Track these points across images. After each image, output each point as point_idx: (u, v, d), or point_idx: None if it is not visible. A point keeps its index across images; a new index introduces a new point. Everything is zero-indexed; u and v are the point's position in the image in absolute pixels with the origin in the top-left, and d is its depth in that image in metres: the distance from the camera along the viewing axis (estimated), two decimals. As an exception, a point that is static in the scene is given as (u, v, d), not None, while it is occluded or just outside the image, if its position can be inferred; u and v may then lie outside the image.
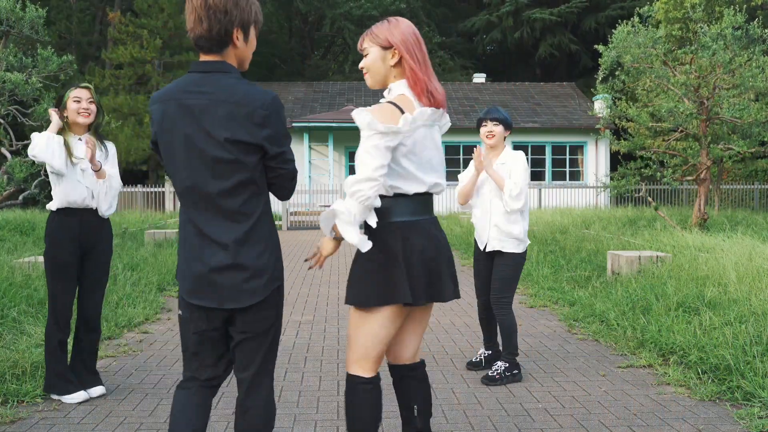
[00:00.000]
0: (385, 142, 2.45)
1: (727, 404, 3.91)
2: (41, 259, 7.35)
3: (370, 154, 2.44)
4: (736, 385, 4.03)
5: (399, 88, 2.61)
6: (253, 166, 2.27)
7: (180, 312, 2.41)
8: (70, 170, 3.93)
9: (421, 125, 2.55)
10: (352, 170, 23.66)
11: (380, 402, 2.68)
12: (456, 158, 24.28)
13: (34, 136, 3.91)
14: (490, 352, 4.74)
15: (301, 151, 22.92)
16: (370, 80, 2.68)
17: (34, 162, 9.47)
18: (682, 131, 12.87)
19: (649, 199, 14.44)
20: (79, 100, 3.98)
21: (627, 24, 12.68)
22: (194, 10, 2.27)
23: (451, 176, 24.21)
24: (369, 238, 2.55)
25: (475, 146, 4.62)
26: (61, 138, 3.92)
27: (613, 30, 12.97)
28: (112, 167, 4.14)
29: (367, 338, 2.60)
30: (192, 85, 2.28)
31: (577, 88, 28.31)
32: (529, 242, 4.55)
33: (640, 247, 8.94)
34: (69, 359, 4.10)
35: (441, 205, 23.27)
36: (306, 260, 2.64)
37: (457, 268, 10.15)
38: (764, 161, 22.34)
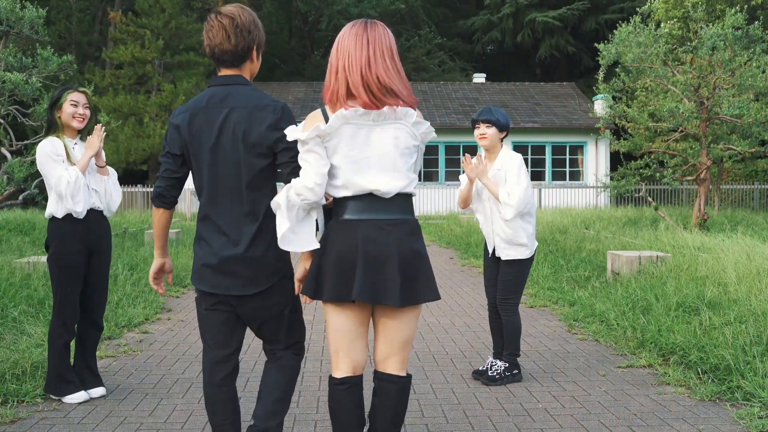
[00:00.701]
0: (308, 148, 2.53)
1: (727, 404, 3.91)
2: (42, 259, 7.35)
3: (301, 161, 2.56)
4: (736, 385, 4.03)
5: None
6: (267, 170, 2.64)
7: (197, 295, 2.77)
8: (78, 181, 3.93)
9: (346, 124, 2.52)
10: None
11: (357, 404, 2.66)
12: (456, 158, 24.28)
13: (52, 163, 3.87)
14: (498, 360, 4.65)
15: (301, 151, 22.88)
16: None
17: (33, 162, 9.47)
18: (682, 131, 12.87)
19: (649, 199, 14.44)
20: (76, 105, 3.97)
21: (629, 24, 12.69)
22: (223, 28, 2.63)
23: (452, 176, 24.26)
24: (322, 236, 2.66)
25: (465, 155, 4.49)
26: (84, 179, 3.92)
27: (613, 31, 12.97)
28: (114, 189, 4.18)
29: (329, 335, 2.70)
30: (217, 96, 2.67)
31: (577, 88, 28.31)
32: (537, 244, 4.46)
33: (640, 247, 8.94)
34: (71, 360, 4.11)
35: (441, 205, 23.30)
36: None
37: (456, 268, 10.15)
38: (764, 161, 22.34)
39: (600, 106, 21.37)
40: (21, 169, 9.75)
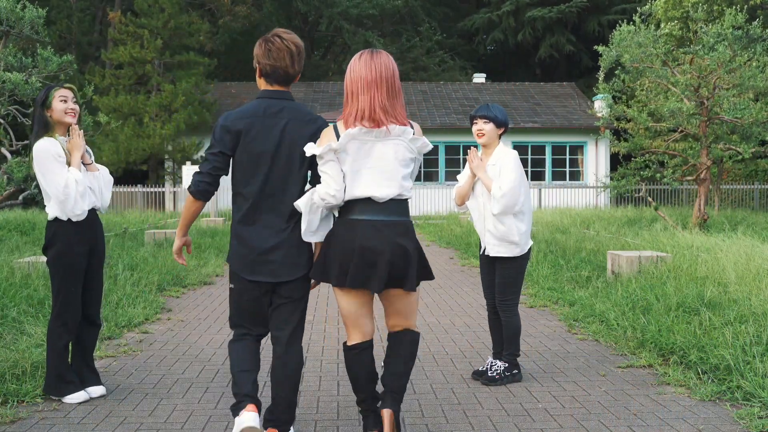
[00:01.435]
0: (324, 161, 3.07)
1: (727, 404, 3.91)
2: (41, 259, 7.35)
3: (321, 173, 3.09)
4: (736, 385, 4.03)
5: None
6: (305, 176, 3.17)
7: (231, 285, 3.21)
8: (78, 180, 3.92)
9: (351, 141, 3.05)
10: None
11: (368, 363, 3.22)
12: (456, 158, 24.29)
13: (51, 167, 3.84)
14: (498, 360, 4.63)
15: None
16: None
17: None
18: (682, 131, 12.87)
19: (649, 199, 14.45)
20: (66, 100, 3.95)
21: (628, 24, 12.69)
22: (290, 54, 3.12)
23: (452, 176, 24.25)
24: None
25: (471, 147, 4.54)
26: (86, 181, 3.93)
27: (613, 30, 12.97)
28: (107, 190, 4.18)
29: (341, 312, 3.25)
30: (272, 108, 3.13)
31: (577, 88, 28.31)
32: (531, 243, 4.43)
33: (640, 247, 8.94)
34: (69, 358, 4.11)
35: (441, 205, 23.30)
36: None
37: (456, 268, 10.15)
38: (764, 161, 22.35)
39: (600, 105, 21.37)
40: (21, 169, 9.75)
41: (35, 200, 11.36)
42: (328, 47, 40.70)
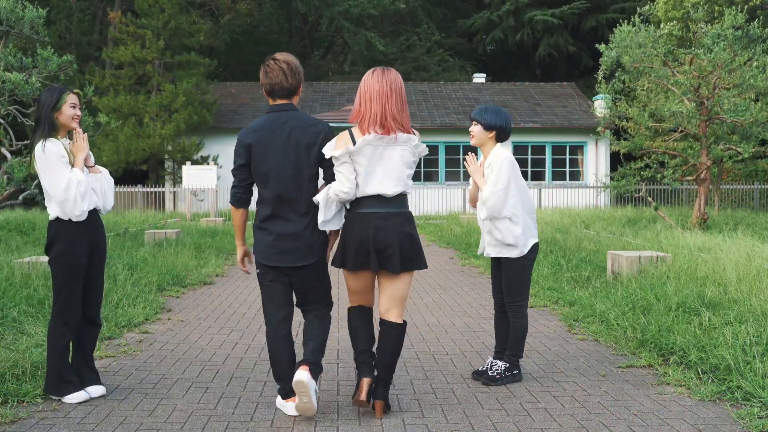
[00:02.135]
0: (341, 162, 3.62)
1: (727, 404, 3.91)
2: (42, 259, 7.35)
3: (336, 172, 3.65)
4: (736, 385, 4.03)
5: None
6: (316, 174, 3.66)
7: (258, 270, 3.75)
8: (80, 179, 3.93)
9: (366, 146, 3.60)
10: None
11: (367, 322, 3.84)
12: (456, 158, 24.28)
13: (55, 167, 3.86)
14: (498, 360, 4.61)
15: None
16: None
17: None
18: (682, 131, 12.87)
19: (649, 199, 14.45)
20: (75, 106, 4.02)
21: (629, 24, 12.68)
22: (282, 71, 3.64)
23: (452, 176, 24.26)
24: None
25: (468, 153, 4.55)
26: (87, 181, 3.95)
27: (613, 30, 12.97)
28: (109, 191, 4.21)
29: (349, 290, 3.87)
30: (278, 120, 3.67)
31: (577, 88, 28.29)
32: (532, 244, 4.37)
33: (640, 247, 8.94)
34: (70, 358, 4.11)
35: (441, 205, 23.30)
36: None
37: (456, 268, 10.15)
38: (764, 161, 22.35)
39: (600, 105, 21.37)
40: (21, 169, 9.75)
41: (35, 200, 11.35)
42: (328, 47, 40.68)
